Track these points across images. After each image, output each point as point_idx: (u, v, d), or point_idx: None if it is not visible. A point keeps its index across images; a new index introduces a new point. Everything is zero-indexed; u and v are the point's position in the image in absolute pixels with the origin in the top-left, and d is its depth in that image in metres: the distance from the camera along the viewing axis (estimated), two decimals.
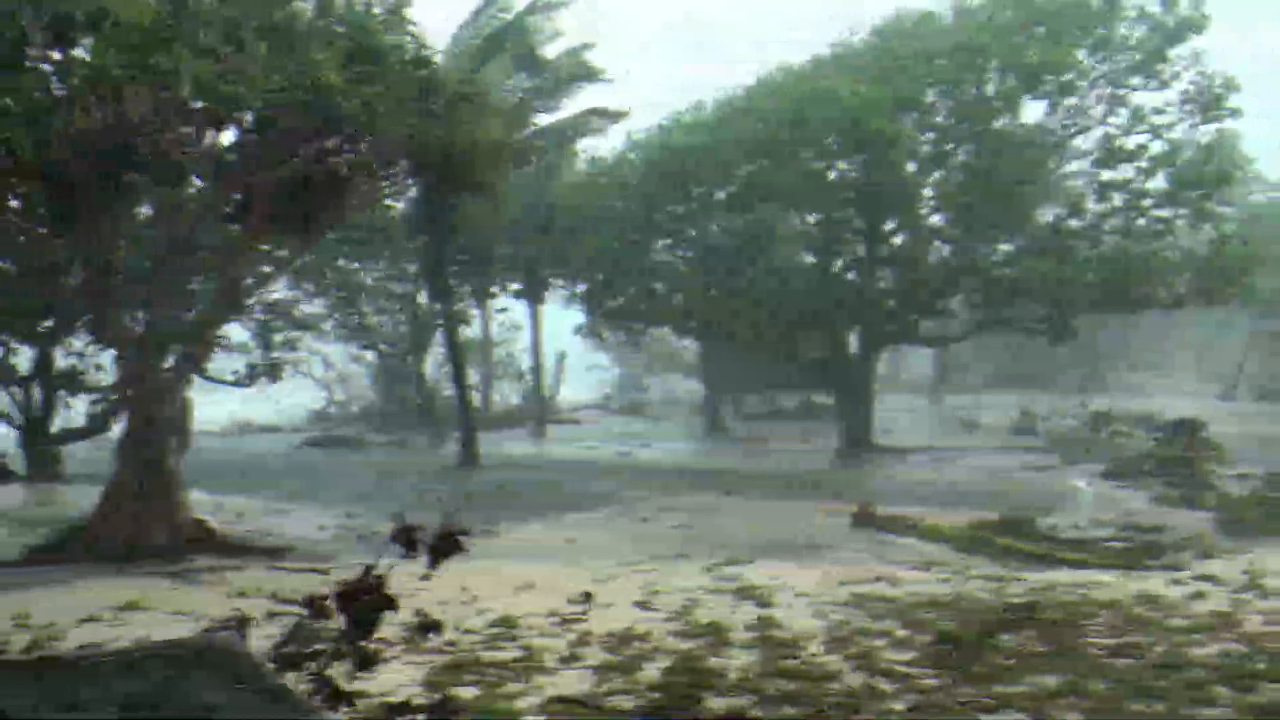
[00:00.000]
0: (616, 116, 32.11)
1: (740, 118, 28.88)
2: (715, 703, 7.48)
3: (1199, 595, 11.59)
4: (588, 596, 11.20)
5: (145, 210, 20.17)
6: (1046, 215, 33.38)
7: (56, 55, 12.34)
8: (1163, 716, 7.23)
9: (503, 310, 42.81)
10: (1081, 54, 27.63)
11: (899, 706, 7.43)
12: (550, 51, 30.41)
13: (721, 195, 32.02)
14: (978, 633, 9.19)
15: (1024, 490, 22.31)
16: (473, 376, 40.87)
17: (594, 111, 31.43)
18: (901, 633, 9.62)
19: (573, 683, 8.08)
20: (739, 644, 9.24)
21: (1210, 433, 25.42)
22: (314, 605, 4.09)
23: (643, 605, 11.02)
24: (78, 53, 11.94)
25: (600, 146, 34.00)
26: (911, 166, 29.38)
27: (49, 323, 24.17)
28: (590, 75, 30.69)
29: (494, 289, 37.25)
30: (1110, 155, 27.76)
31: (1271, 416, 44.24)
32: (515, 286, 37.16)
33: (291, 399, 49.67)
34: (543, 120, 30.56)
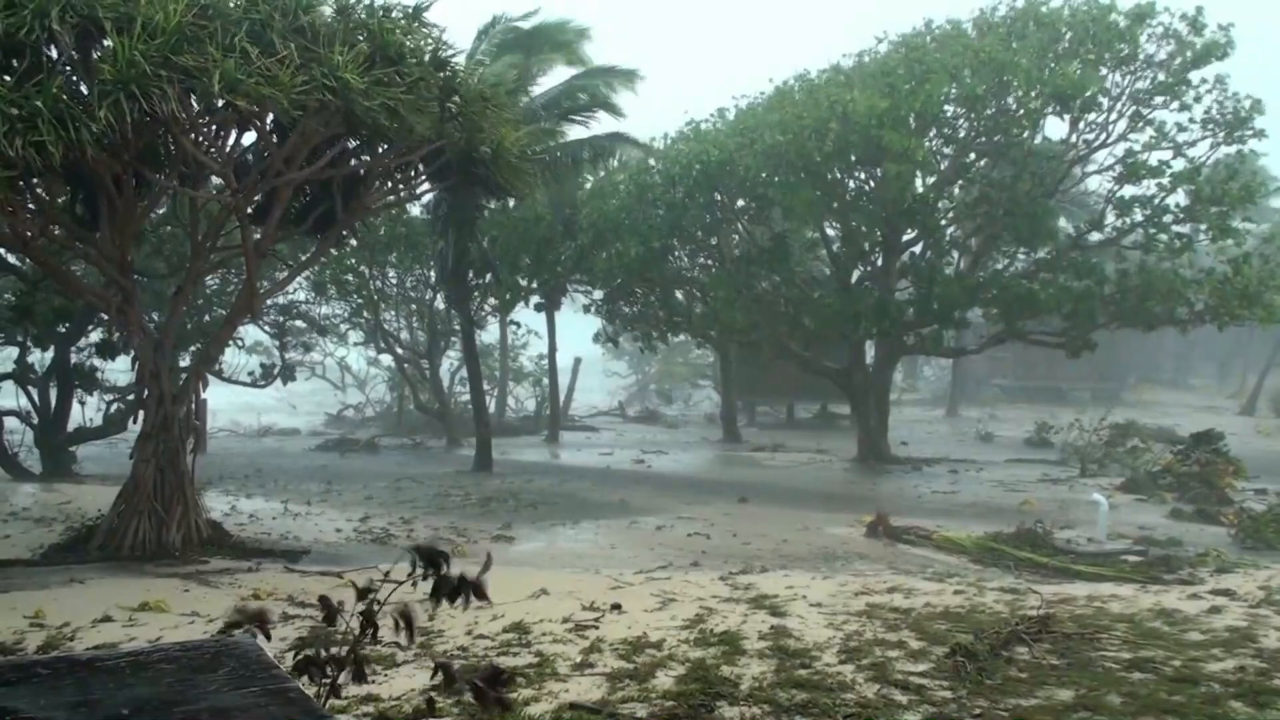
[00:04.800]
0: (635, 143, 32.27)
1: (761, 128, 28.84)
2: (728, 712, 7.46)
3: (1215, 610, 11.54)
4: (617, 608, 11.14)
5: (164, 211, 20.37)
6: (1066, 229, 33.32)
7: (81, 56, 12.43)
8: None
9: (515, 324, 43.18)
10: (1104, 71, 27.55)
11: (913, 718, 7.40)
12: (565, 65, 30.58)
13: (743, 205, 32.04)
14: (992, 645, 9.15)
15: (1040, 503, 22.26)
16: (488, 382, 41.02)
17: (614, 136, 31.53)
18: (916, 644, 9.59)
19: (586, 689, 8.07)
20: (753, 653, 9.22)
21: (1229, 447, 25.30)
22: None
23: (656, 613, 11.00)
24: (104, 53, 12.00)
25: (626, 152, 34.05)
26: (930, 179, 29.32)
27: (66, 323, 24.35)
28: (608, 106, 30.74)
29: (512, 296, 37.35)
30: (1131, 171, 27.65)
31: None
32: (541, 303, 37.27)
33: (309, 402, 50.00)
34: (567, 134, 30.60)
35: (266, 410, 44.83)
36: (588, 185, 34.07)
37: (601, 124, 31.10)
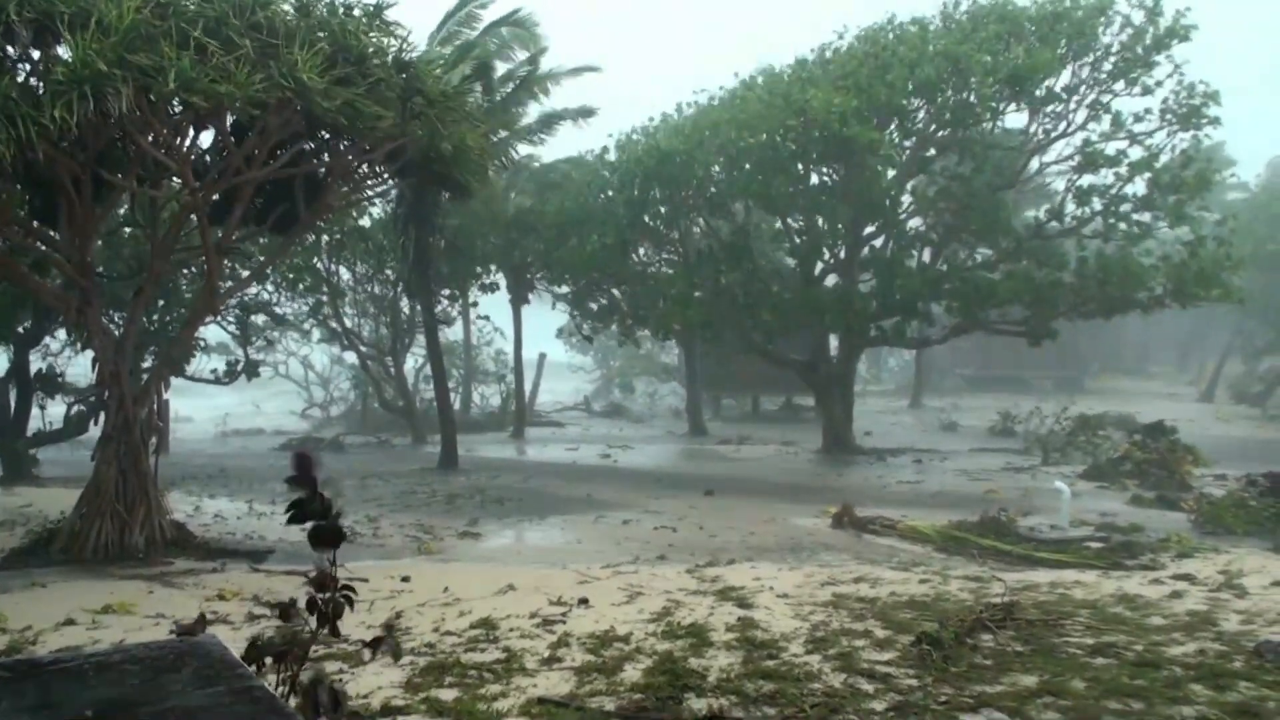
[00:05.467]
0: (585, 114, 32.05)
1: (723, 122, 28.92)
2: (696, 703, 7.48)
3: (1176, 595, 11.68)
4: (584, 602, 11.16)
5: (124, 211, 20.20)
6: (1026, 218, 33.59)
7: (37, 54, 12.29)
8: (1140, 715, 7.26)
9: (485, 318, 43.04)
10: (1064, 61, 27.79)
11: (879, 706, 7.45)
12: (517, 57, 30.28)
13: (704, 199, 32.11)
14: (957, 633, 9.22)
15: (1003, 491, 22.45)
16: (453, 379, 40.92)
17: (568, 112, 31.35)
18: (882, 633, 9.65)
19: (554, 684, 8.08)
20: (720, 645, 9.25)
21: (1187, 435, 25.60)
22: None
23: (624, 607, 11.02)
24: (60, 51, 11.88)
25: (587, 144, 34.05)
26: (892, 172, 29.47)
27: (26, 324, 24.11)
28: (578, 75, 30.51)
29: (475, 292, 37.29)
30: (1089, 160, 27.91)
31: (1249, 418, 44.67)
32: (494, 283, 37.17)
33: (273, 402, 49.69)
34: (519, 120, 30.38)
35: (230, 411, 44.53)
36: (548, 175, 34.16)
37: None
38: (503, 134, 27.45)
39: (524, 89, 30.08)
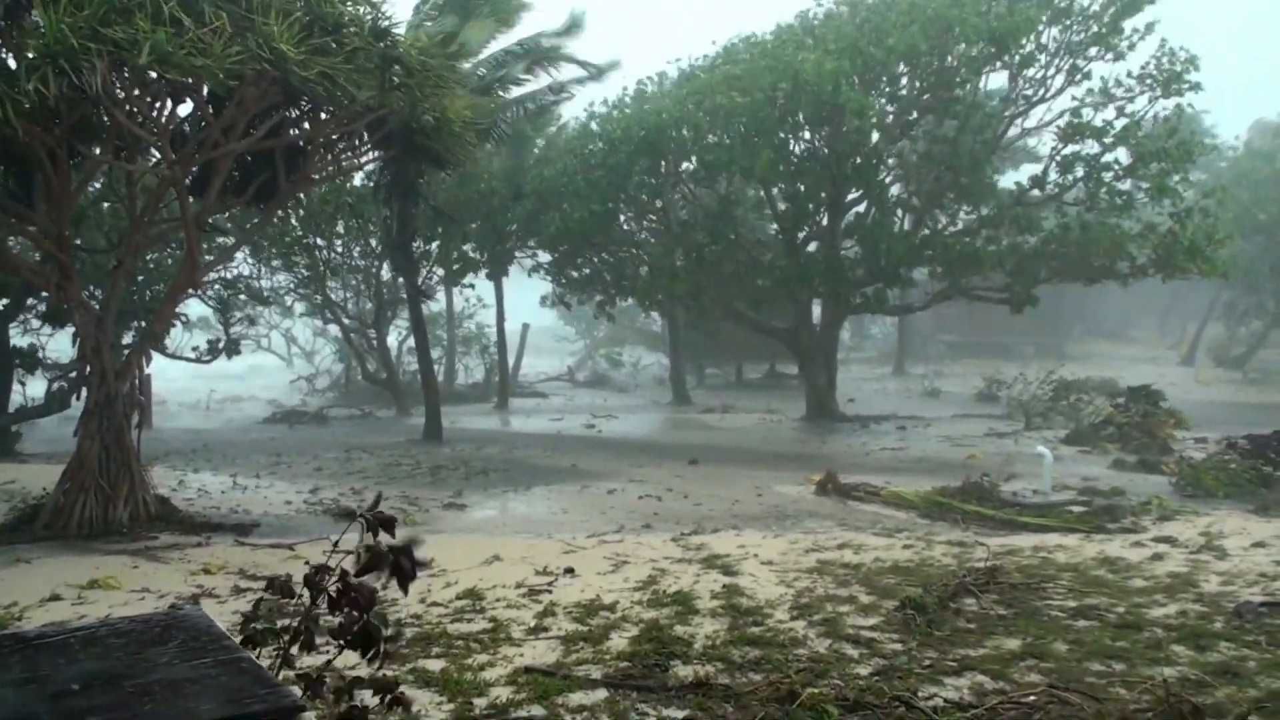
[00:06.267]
0: (603, 71, 31.53)
1: (706, 89, 28.80)
2: (682, 670, 7.53)
3: (1158, 557, 11.80)
4: (570, 572, 11.20)
5: (101, 184, 20.03)
6: (1008, 186, 33.58)
7: (8, 25, 12.15)
8: (1122, 676, 7.34)
9: (470, 286, 42.81)
10: (1041, 23, 27.73)
11: (864, 671, 7.50)
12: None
13: (688, 167, 31.99)
14: (941, 597, 9.29)
15: (986, 456, 22.56)
16: (437, 350, 40.81)
17: (581, 65, 30.90)
18: (866, 599, 9.72)
19: (540, 653, 8.12)
20: (706, 612, 9.30)
21: (1169, 399, 25.73)
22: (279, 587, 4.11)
23: (609, 576, 11.07)
24: (30, 25, 11.73)
25: (575, 110, 33.81)
26: (875, 137, 29.38)
27: (4, 299, 23.94)
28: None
29: (458, 263, 37.09)
30: (1075, 130, 27.86)
31: (1229, 382, 44.94)
32: (479, 258, 36.96)
33: (256, 374, 49.52)
34: (518, 87, 29.92)
35: (214, 386, 44.36)
36: (538, 146, 33.95)
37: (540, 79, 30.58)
38: (490, 104, 27.04)
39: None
